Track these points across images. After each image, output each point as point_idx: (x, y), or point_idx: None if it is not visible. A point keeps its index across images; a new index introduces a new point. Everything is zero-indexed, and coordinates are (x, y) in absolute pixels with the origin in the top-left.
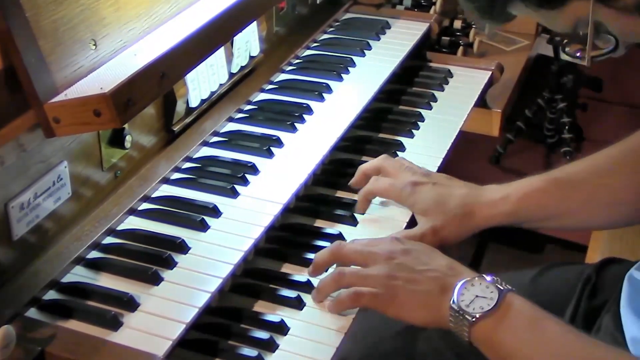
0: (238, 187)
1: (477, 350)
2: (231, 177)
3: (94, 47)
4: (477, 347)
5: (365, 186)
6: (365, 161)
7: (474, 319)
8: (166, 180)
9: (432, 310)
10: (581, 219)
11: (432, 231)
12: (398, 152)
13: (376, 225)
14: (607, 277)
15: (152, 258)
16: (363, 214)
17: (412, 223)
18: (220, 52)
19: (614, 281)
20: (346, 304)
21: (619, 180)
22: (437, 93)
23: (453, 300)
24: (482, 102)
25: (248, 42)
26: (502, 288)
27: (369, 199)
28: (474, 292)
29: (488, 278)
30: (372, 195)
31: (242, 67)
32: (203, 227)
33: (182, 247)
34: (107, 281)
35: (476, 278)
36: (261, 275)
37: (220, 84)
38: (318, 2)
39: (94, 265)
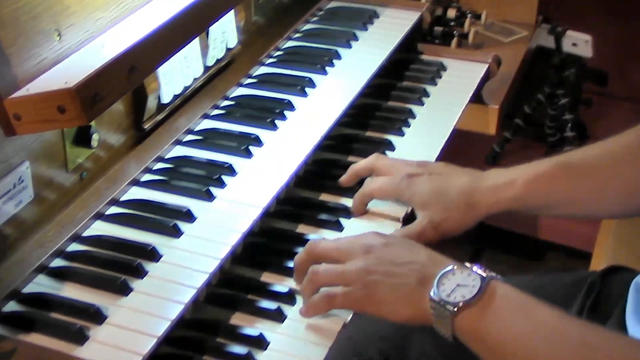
0: (214, 190)
1: (466, 351)
2: (206, 179)
3: (58, 38)
4: (463, 343)
5: (360, 190)
6: (352, 162)
7: (455, 309)
8: (136, 182)
9: (412, 305)
10: (591, 208)
11: (432, 225)
12: (387, 152)
13: (365, 229)
14: (613, 285)
15: (120, 266)
16: (359, 215)
17: (407, 222)
18: (195, 44)
19: (620, 289)
20: (319, 307)
21: (635, 168)
22: (429, 88)
23: (433, 292)
24: (477, 98)
25: (225, 32)
26: (484, 275)
27: (366, 201)
28: (455, 281)
29: (470, 265)
30: (369, 198)
31: (218, 60)
32: (176, 232)
33: (153, 254)
34: (72, 291)
35: (457, 266)
36: (239, 285)
37: (195, 78)
38: None
39: (58, 274)
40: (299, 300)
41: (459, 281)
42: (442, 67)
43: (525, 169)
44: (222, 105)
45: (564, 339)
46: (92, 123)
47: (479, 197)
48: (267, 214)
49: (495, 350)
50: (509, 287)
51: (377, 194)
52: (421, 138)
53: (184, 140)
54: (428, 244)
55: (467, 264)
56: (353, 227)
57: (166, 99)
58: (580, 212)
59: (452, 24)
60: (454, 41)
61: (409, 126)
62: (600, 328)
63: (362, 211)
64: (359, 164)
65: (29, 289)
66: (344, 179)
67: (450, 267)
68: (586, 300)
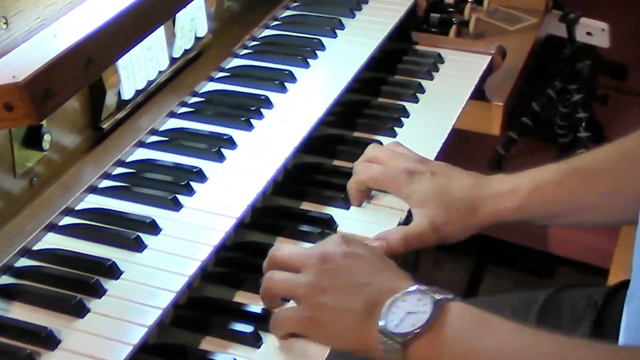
0: (181, 198)
1: None
2: (173, 186)
3: (5, 26)
4: None
5: (355, 177)
6: (337, 166)
7: (404, 341)
8: (93, 189)
9: (358, 336)
10: (602, 214)
11: (431, 227)
12: None
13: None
14: (619, 303)
15: (76, 284)
16: (359, 205)
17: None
18: (160, 33)
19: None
20: (275, 326)
21: None
22: (424, 82)
23: (381, 322)
24: (479, 94)
25: (193, 20)
26: (437, 298)
27: (361, 189)
28: (405, 309)
29: (422, 288)
30: (363, 185)
31: (186, 51)
32: (138, 246)
33: (112, 270)
34: (21, 312)
35: (407, 291)
36: (210, 306)
37: (160, 72)
38: None
39: (5, 293)
40: None
41: (409, 308)
42: (440, 59)
43: (531, 176)
44: (190, 102)
45: (532, 352)
46: (44, 122)
47: (481, 204)
48: (242, 225)
49: None
50: (463, 306)
51: (373, 183)
52: (416, 139)
53: (148, 141)
54: (399, 259)
55: (422, 287)
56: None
57: (127, 95)
58: (590, 220)
59: (450, 10)
60: (453, 30)
61: (402, 126)
62: (568, 338)
63: (362, 201)
64: (357, 179)
65: None
66: (352, 201)
67: (399, 294)
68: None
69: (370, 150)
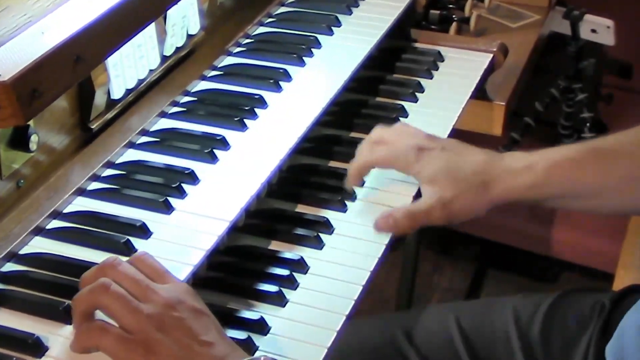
0: (172, 200)
1: None
2: (164, 188)
3: None
4: None
5: (359, 157)
6: (334, 167)
7: None
8: (82, 192)
9: None
10: (621, 199)
11: (440, 203)
12: None
13: (349, 247)
14: (628, 308)
15: (64, 290)
16: (353, 192)
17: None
18: (151, 30)
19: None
20: (87, 338)
21: None
22: (424, 81)
23: None
24: (480, 93)
25: (185, 16)
26: None
27: (364, 173)
28: None
29: (257, 356)
30: (368, 167)
31: (177, 49)
32: (128, 250)
33: None
34: (6, 318)
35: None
36: None
37: (151, 70)
38: None
39: None
40: (272, 330)
41: None
42: (439, 57)
43: (548, 153)
44: (182, 101)
45: None
46: (31, 122)
47: (494, 179)
48: (235, 229)
49: None
50: None
51: (381, 162)
52: None
53: (138, 142)
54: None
55: (256, 355)
56: (336, 243)
57: (117, 94)
58: (608, 205)
59: (451, 6)
60: (453, 27)
61: None
62: None
63: (359, 184)
64: (363, 161)
65: None
66: (349, 180)
67: None
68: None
69: (376, 132)
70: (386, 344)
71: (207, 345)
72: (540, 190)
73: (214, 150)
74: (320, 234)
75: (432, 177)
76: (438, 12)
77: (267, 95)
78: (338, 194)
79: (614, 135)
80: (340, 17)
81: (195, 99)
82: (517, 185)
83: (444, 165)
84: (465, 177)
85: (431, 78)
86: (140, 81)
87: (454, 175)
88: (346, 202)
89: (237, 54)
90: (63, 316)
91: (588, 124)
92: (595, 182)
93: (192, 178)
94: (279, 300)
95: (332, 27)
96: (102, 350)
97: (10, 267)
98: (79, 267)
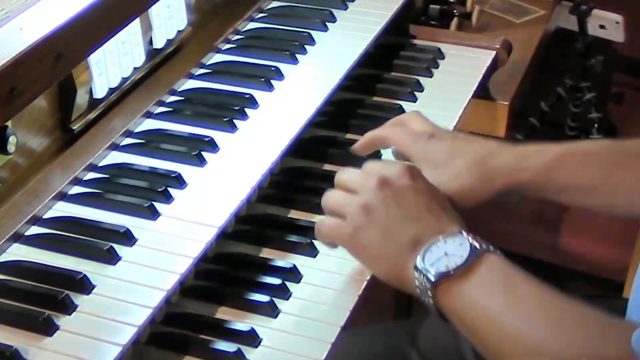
0: (158, 205)
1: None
2: (149, 192)
3: None
4: (449, 319)
5: (377, 130)
6: (329, 170)
7: (435, 281)
8: (62, 196)
9: (394, 266)
10: (635, 200)
11: (442, 189)
12: (374, 159)
13: (344, 254)
14: None
15: (43, 300)
16: (362, 155)
17: None
18: (135, 26)
19: None
20: (318, 231)
21: None
22: (423, 80)
23: (419, 258)
24: (483, 92)
25: (171, 11)
26: (478, 246)
27: (376, 144)
28: (444, 250)
29: (466, 234)
30: (383, 143)
31: (163, 46)
32: (112, 258)
33: (83, 284)
34: None
35: (451, 233)
36: (189, 323)
37: (135, 68)
38: None
39: None
40: (263, 342)
41: (448, 250)
42: (440, 55)
43: (563, 143)
44: (168, 101)
45: (542, 321)
46: (9, 123)
47: (501, 162)
48: (224, 235)
49: (470, 325)
50: (501, 260)
51: (394, 141)
52: None
53: (122, 144)
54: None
55: (466, 233)
56: (330, 251)
57: (100, 93)
58: (621, 205)
59: (451, 1)
60: (454, 22)
61: None
62: (585, 306)
63: (366, 152)
64: (377, 131)
65: None
66: (358, 145)
67: (444, 235)
68: None
69: (403, 115)
70: (390, 352)
71: (416, 220)
72: (547, 177)
73: (202, 153)
74: (314, 241)
75: (436, 162)
76: (438, 7)
77: (258, 94)
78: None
79: (636, 139)
80: (335, 12)
81: (182, 98)
82: (526, 167)
83: (450, 149)
84: (469, 162)
85: (431, 76)
86: (125, 79)
87: (457, 160)
88: None
89: (227, 51)
90: (43, 327)
91: (596, 125)
92: (610, 176)
93: (179, 182)
94: (271, 310)
95: (327, 23)
96: (325, 237)
97: None
98: (60, 275)
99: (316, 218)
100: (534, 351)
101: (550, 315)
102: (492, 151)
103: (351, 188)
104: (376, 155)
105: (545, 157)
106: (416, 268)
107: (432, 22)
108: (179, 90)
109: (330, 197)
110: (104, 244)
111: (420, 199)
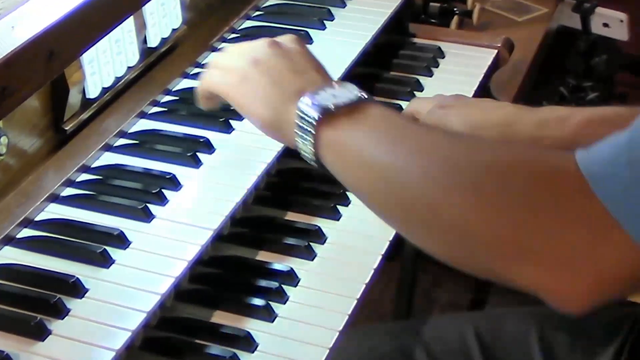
0: (152, 208)
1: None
2: (143, 194)
3: None
4: (325, 166)
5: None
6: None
7: (320, 115)
8: (55, 198)
9: (278, 111)
10: None
11: None
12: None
13: (342, 257)
14: None
15: (35, 304)
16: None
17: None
18: (129, 24)
19: None
20: (202, 79)
21: None
22: (423, 79)
23: (303, 97)
24: (484, 92)
25: (166, 9)
26: (367, 97)
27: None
28: (332, 93)
29: (352, 86)
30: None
31: (158, 44)
32: (105, 261)
33: (76, 288)
34: None
35: (342, 85)
36: (184, 327)
37: (129, 67)
38: None
39: None
40: (260, 347)
41: (335, 93)
42: (440, 54)
43: (584, 110)
44: (162, 101)
45: (435, 151)
46: (0, 123)
47: (520, 129)
48: (220, 238)
49: (350, 164)
50: (390, 109)
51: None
52: None
53: (115, 144)
54: None
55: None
56: (328, 255)
57: (93, 93)
58: None
59: None
60: (455, 21)
61: None
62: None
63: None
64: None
65: None
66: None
67: (332, 84)
68: (628, 337)
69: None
70: (397, 351)
71: (302, 72)
72: (571, 146)
73: (197, 154)
74: (311, 244)
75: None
76: (438, 4)
77: None
78: (331, 200)
79: None
80: (333, 10)
81: (177, 98)
82: (546, 135)
83: (466, 119)
84: (489, 129)
85: (431, 76)
86: (118, 79)
87: (474, 130)
88: (339, 209)
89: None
90: (35, 332)
91: None
92: None
93: (174, 183)
94: (267, 314)
95: (325, 21)
96: (208, 85)
97: None
98: (52, 279)
99: (314, 221)
100: (415, 189)
101: (437, 150)
102: (511, 118)
103: (242, 49)
104: None
105: (566, 126)
106: (299, 110)
107: (432, 21)
108: (173, 89)
109: (219, 54)
110: (97, 247)
111: (310, 60)
